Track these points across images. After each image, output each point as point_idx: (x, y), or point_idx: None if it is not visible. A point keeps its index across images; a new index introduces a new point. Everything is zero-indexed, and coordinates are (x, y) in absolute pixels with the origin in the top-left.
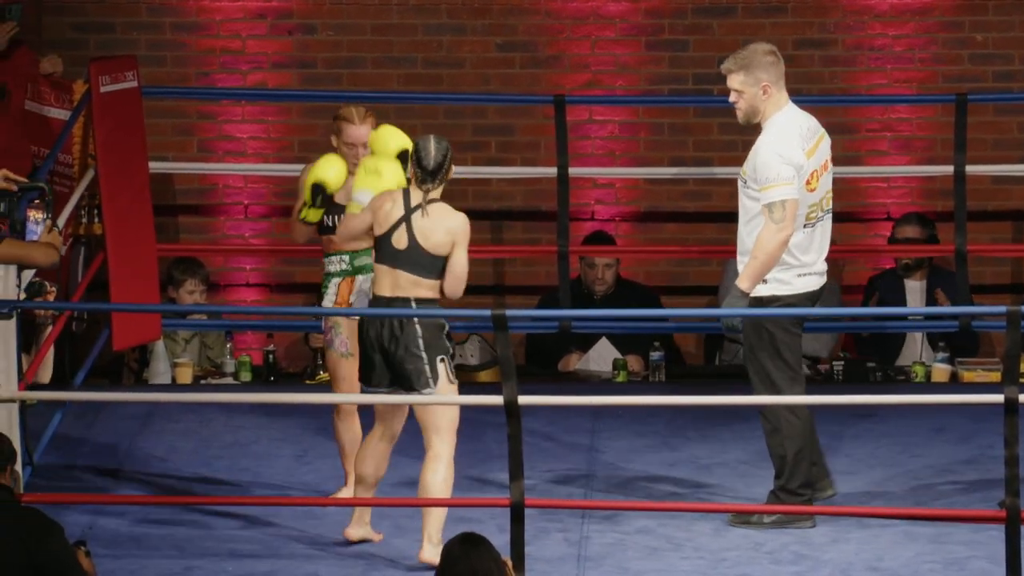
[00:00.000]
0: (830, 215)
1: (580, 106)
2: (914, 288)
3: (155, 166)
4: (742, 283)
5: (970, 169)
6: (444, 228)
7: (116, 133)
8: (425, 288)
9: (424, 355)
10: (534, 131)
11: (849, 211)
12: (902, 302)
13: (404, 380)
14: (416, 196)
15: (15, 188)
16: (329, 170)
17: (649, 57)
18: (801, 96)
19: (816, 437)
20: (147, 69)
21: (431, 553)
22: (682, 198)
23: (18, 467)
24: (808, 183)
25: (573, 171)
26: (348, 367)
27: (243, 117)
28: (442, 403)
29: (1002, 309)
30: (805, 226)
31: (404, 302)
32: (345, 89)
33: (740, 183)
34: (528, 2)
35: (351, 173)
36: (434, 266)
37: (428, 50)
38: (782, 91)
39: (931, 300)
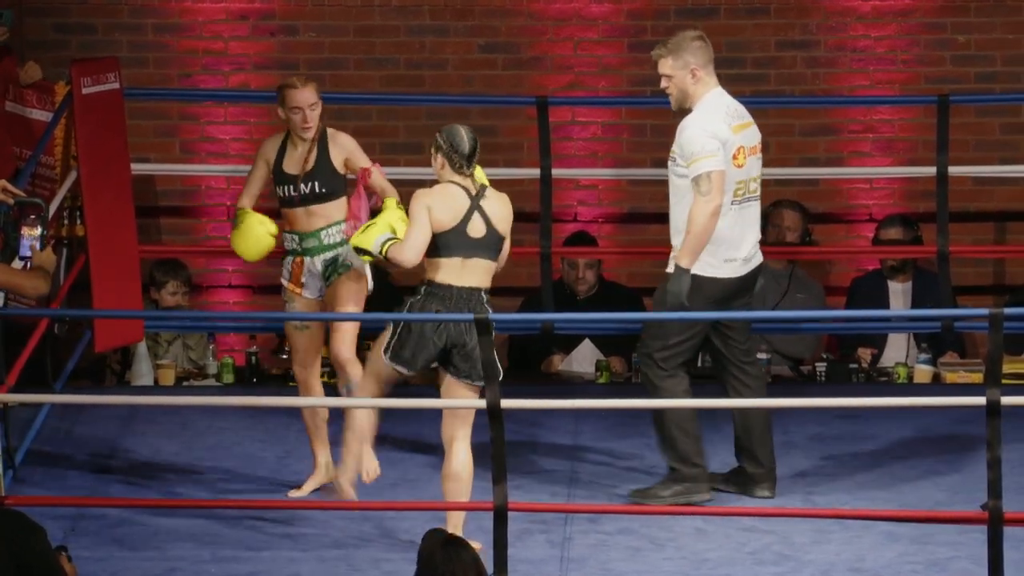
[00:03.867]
0: (758, 203)
1: (563, 107)
2: (897, 290)
3: (137, 168)
4: (681, 260)
5: (952, 170)
6: (508, 209)
7: (98, 135)
8: (491, 274)
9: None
10: (517, 132)
11: (831, 212)
12: (885, 304)
13: (465, 367)
14: (468, 183)
15: (11, 201)
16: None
17: (632, 58)
18: (783, 97)
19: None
20: (129, 70)
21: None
22: (665, 199)
23: None
24: (735, 158)
25: (556, 172)
26: (302, 339)
27: (225, 118)
28: (434, 406)
29: (985, 311)
30: (732, 203)
31: (478, 294)
32: (327, 91)
33: (670, 162)
34: (511, 3)
35: (296, 140)
36: (500, 248)
37: (410, 51)
38: (711, 75)
39: (915, 302)
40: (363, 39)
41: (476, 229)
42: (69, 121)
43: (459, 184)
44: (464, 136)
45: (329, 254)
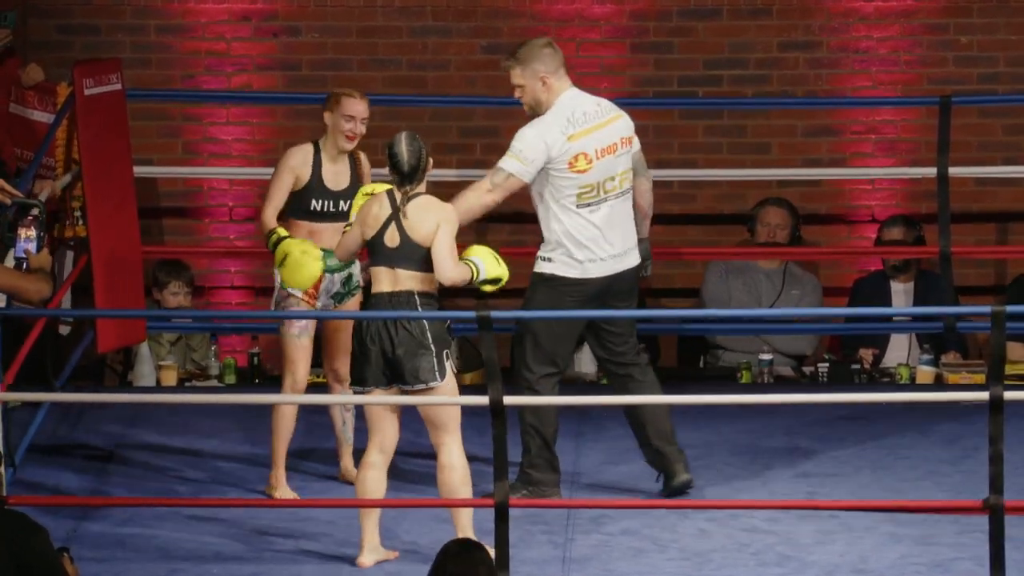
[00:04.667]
0: (625, 197)
1: None
2: (899, 290)
3: (140, 169)
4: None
5: (954, 171)
6: (432, 218)
7: (100, 136)
8: (424, 282)
9: (433, 348)
10: None
11: (834, 213)
12: (887, 304)
13: (409, 375)
14: (399, 196)
15: (8, 202)
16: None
17: (634, 59)
18: (786, 98)
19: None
20: (132, 71)
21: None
22: (667, 200)
23: (0, 469)
24: (572, 164)
25: None
26: (302, 351)
27: (228, 119)
28: (433, 403)
29: (987, 309)
30: (579, 207)
31: (408, 295)
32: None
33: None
34: (513, 4)
35: (333, 155)
36: (429, 259)
37: (413, 52)
38: (563, 79)
39: (918, 302)
40: (366, 40)
41: (392, 239)
42: (71, 122)
43: (394, 194)
44: (404, 155)
45: (345, 273)
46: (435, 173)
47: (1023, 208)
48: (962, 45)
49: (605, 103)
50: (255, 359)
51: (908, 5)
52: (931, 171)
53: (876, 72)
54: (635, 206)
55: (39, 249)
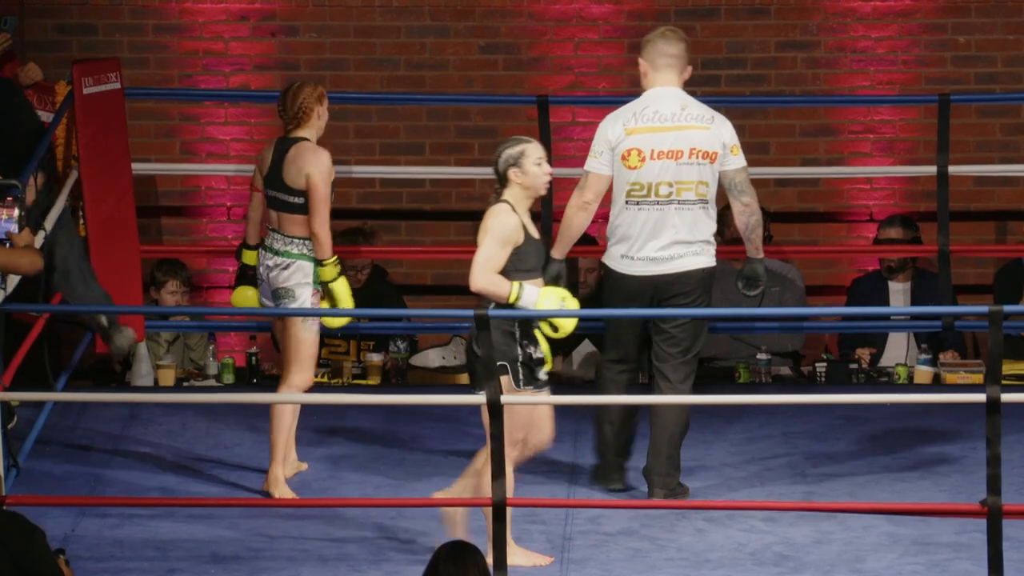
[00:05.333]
0: (686, 208)
1: (563, 107)
2: (897, 290)
3: (138, 168)
4: (554, 251)
5: (953, 170)
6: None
7: (99, 135)
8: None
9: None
10: (518, 132)
11: (832, 212)
12: (885, 304)
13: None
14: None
15: None
16: None
17: (632, 59)
18: (784, 97)
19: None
20: (130, 71)
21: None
22: None
23: None
24: (625, 158)
25: (556, 172)
26: (316, 347)
27: (226, 119)
28: (434, 403)
29: (984, 309)
30: (628, 202)
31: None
32: (328, 91)
33: None
34: (511, 4)
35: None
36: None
37: (411, 52)
38: (661, 72)
39: (915, 302)
40: (364, 40)
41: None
42: (70, 121)
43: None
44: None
45: None
46: (432, 171)
47: (1022, 207)
48: (960, 45)
49: (696, 111)
50: (253, 359)
51: (906, 5)
52: (930, 170)
53: (874, 72)
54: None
55: (21, 229)
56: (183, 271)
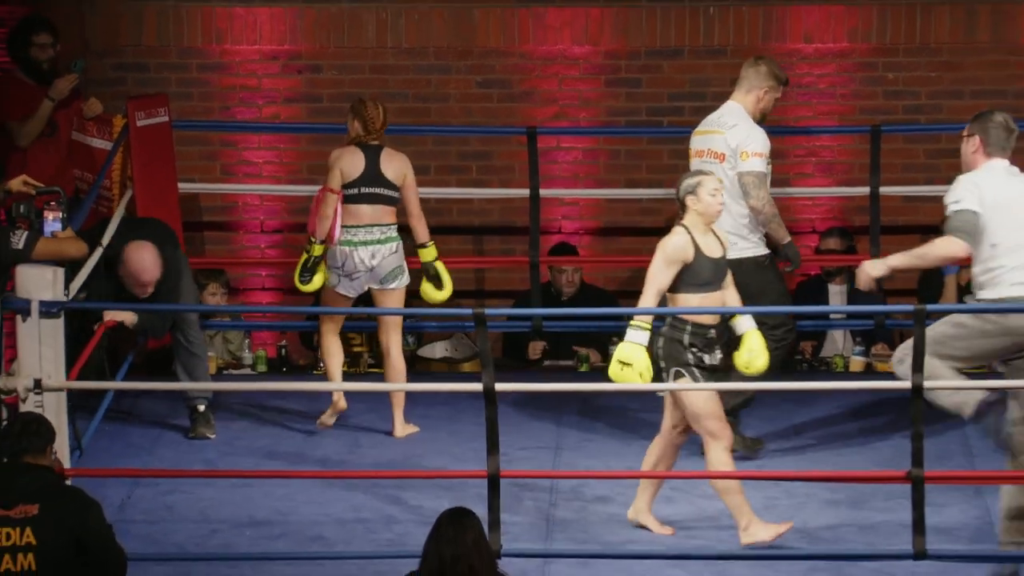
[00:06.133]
0: None
1: (549, 136)
2: (835, 292)
3: (184, 187)
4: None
5: (883, 190)
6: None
7: (150, 161)
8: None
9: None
10: (510, 157)
11: None
12: (825, 304)
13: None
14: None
15: (33, 192)
16: None
17: (608, 93)
18: None
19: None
20: (177, 103)
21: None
22: (637, 214)
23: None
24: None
25: (543, 191)
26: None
27: (259, 145)
28: (428, 390)
29: (910, 308)
30: None
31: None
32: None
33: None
34: (504, 46)
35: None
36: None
37: (418, 87)
38: (738, 88)
39: (851, 302)
40: (378, 76)
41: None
42: (126, 149)
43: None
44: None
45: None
46: (437, 191)
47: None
48: (889, 80)
49: (723, 119)
50: (283, 351)
51: (843, 47)
52: (863, 190)
53: (816, 104)
54: None
55: (64, 227)
56: (222, 276)
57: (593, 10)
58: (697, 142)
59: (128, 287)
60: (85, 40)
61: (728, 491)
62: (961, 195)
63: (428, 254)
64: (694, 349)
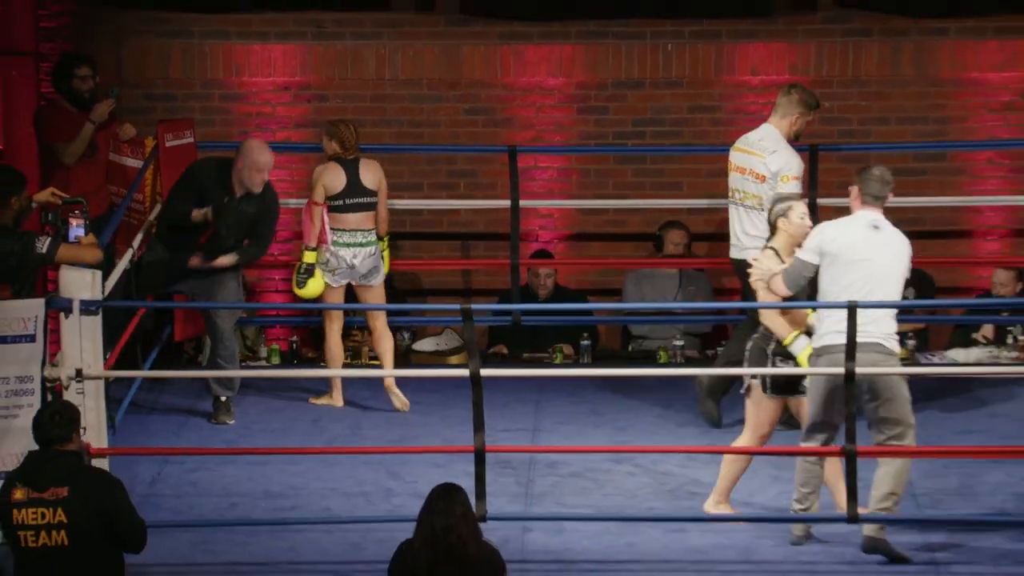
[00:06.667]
0: (743, 211)
1: (528, 155)
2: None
3: None
4: None
5: (821, 201)
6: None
7: (177, 177)
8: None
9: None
10: (493, 174)
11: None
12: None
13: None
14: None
15: (59, 202)
16: None
17: (579, 119)
18: (695, 147)
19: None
20: (201, 129)
21: (710, 506)
22: (604, 224)
23: (97, 427)
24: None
25: (523, 204)
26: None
27: (273, 164)
28: (423, 375)
29: (845, 304)
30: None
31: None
32: None
33: None
34: (488, 78)
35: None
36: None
37: (413, 114)
38: (774, 112)
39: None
40: (377, 104)
41: None
42: (155, 167)
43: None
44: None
45: (372, 263)
46: (429, 203)
47: None
48: (825, 108)
49: (763, 143)
50: (294, 345)
51: (785, 79)
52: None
53: None
54: None
55: (87, 233)
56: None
57: (566, 47)
58: (738, 159)
59: (242, 180)
60: (120, 74)
61: (735, 462)
62: (807, 242)
63: (382, 245)
64: (777, 358)
